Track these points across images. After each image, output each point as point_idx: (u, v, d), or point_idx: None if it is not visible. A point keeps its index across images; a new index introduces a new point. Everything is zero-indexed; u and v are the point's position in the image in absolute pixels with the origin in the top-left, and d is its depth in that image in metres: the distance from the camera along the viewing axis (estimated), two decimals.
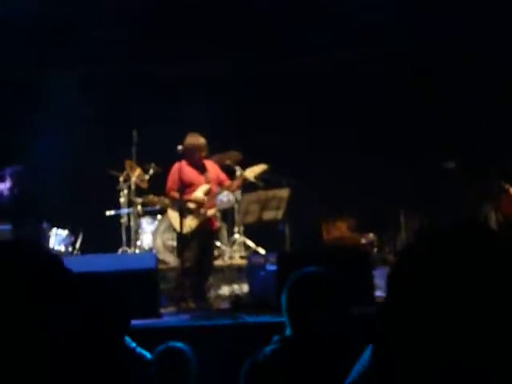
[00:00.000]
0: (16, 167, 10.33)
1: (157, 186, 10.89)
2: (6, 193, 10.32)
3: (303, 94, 12.41)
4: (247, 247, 11.26)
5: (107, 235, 11.28)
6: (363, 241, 11.42)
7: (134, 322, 7.22)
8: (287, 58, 12.35)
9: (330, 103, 12.37)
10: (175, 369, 4.68)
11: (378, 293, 9.98)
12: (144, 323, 7.38)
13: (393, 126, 12.26)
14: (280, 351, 3.45)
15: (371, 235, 11.53)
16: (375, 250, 11.53)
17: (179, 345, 4.84)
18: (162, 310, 8.66)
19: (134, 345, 5.15)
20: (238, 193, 10.72)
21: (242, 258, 11.09)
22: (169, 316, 8.41)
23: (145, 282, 8.04)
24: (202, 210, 9.31)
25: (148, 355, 5.03)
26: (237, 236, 11.29)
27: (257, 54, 12.36)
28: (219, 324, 7.51)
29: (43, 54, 12.11)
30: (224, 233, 11.42)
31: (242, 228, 11.27)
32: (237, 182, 9.72)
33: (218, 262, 10.88)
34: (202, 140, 9.39)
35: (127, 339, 5.14)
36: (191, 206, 9.31)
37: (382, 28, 11.40)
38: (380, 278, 10.90)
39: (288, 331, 3.52)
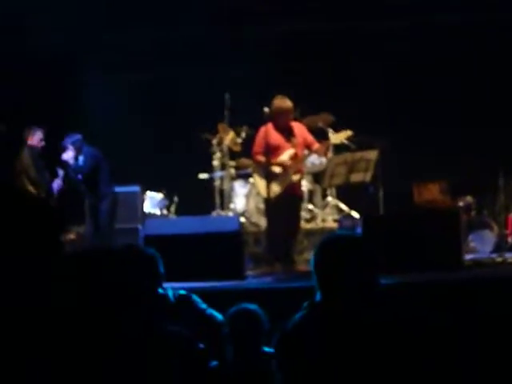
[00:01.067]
0: (75, 136, 10.45)
1: (249, 149, 10.86)
2: (71, 162, 10.46)
3: (392, 56, 12.19)
4: (340, 210, 11.15)
5: (201, 198, 11.36)
6: (460, 204, 11.15)
7: (217, 283, 7.37)
8: (376, 19, 12.13)
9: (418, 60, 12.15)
10: (247, 330, 4.65)
11: (474, 256, 9.78)
12: (226, 285, 7.41)
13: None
14: (308, 317, 3.37)
15: (469, 198, 11.24)
16: (473, 213, 11.25)
17: (252, 306, 4.81)
18: (249, 272, 8.68)
19: (204, 306, 5.15)
20: (330, 154, 10.63)
21: (334, 221, 10.98)
22: (253, 278, 8.41)
23: (229, 245, 8.06)
24: (287, 175, 9.19)
25: (219, 316, 5.03)
26: (329, 199, 11.18)
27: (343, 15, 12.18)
28: (299, 286, 7.43)
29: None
30: (317, 195, 11.34)
31: (334, 191, 11.16)
32: (323, 147, 9.55)
33: (310, 225, 10.82)
34: (288, 103, 9.21)
35: (197, 300, 5.16)
36: (276, 170, 9.16)
37: None
38: (477, 241, 10.67)
39: (317, 296, 3.42)
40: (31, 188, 10.23)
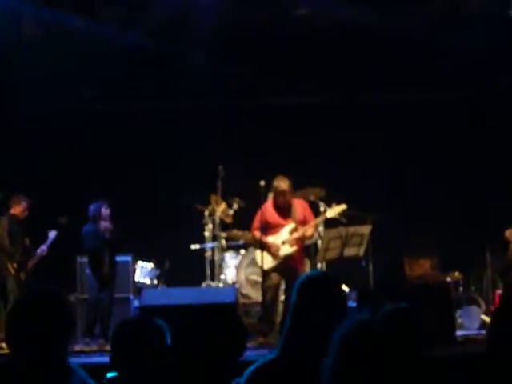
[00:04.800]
0: (99, 203, 10.49)
1: (241, 220, 11.01)
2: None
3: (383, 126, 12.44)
4: None
5: (192, 269, 11.42)
6: (448, 279, 11.28)
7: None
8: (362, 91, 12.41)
9: (412, 136, 12.39)
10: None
11: (462, 332, 9.85)
12: None
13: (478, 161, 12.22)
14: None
15: (457, 274, 11.37)
16: (461, 288, 11.37)
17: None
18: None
19: None
20: (321, 229, 10.75)
21: None
22: (250, 350, 8.43)
23: (224, 316, 8.07)
24: (280, 251, 9.51)
25: None
26: None
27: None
28: None
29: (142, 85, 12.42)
30: (307, 269, 11.40)
31: (324, 264, 11.25)
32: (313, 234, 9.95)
33: None
34: (285, 185, 9.52)
35: None
36: (270, 248, 9.54)
37: None
38: (465, 317, 10.76)
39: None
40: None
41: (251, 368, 3.64)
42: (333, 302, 3.67)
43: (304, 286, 3.76)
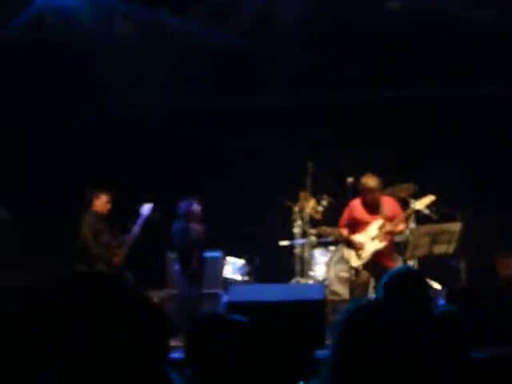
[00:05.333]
0: (190, 201, 10.55)
1: (330, 217, 10.97)
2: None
3: (473, 125, 12.17)
4: None
5: (281, 265, 11.44)
6: None
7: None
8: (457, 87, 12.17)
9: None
10: None
11: None
12: None
13: None
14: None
15: None
16: None
17: None
18: (328, 342, 8.68)
19: None
20: (412, 225, 10.64)
21: None
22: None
23: (312, 313, 8.08)
24: (363, 252, 9.56)
25: None
26: None
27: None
28: None
29: (238, 84, 12.51)
30: (399, 265, 11.30)
31: (416, 261, 11.12)
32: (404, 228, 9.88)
33: None
34: (373, 182, 9.50)
35: None
36: (356, 246, 9.61)
37: None
38: None
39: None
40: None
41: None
42: (419, 297, 3.67)
43: (391, 281, 3.77)
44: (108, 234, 10.35)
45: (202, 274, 10.50)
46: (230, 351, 3.65)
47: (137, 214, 10.42)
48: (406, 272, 4.13)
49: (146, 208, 10.41)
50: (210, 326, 3.79)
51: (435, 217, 10.27)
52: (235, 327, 3.78)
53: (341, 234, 9.93)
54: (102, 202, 10.30)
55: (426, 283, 4.04)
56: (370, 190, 9.52)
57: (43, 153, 11.76)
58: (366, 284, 9.50)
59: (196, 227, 10.40)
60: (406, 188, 10.80)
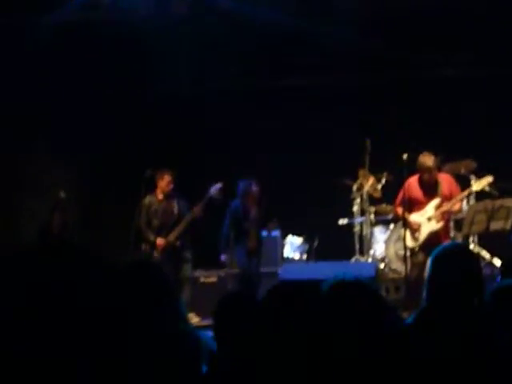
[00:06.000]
0: (248, 181, 10.58)
1: (390, 194, 10.87)
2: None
3: None
4: (482, 258, 10.93)
5: (341, 243, 11.39)
6: None
7: None
8: None
9: None
10: None
11: None
12: None
13: None
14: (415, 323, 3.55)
15: None
16: None
17: None
18: None
19: None
20: (472, 202, 10.50)
21: None
22: None
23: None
24: (419, 234, 9.45)
25: None
26: (471, 246, 10.99)
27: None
28: None
29: (273, 64, 12.47)
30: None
31: (476, 238, 10.96)
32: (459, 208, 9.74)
33: None
34: (430, 162, 9.35)
35: None
36: (412, 225, 9.48)
37: None
38: None
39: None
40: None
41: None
42: (468, 274, 3.64)
43: (439, 258, 3.75)
44: (165, 214, 10.50)
45: (260, 252, 10.55)
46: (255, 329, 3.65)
47: (203, 193, 10.54)
48: (452, 249, 4.06)
49: (214, 189, 10.51)
50: (235, 305, 3.80)
51: (496, 193, 10.11)
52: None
53: (397, 213, 9.82)
54: (165, 182, 10.48)
55: (473, 259, 3.95)
56: (428, 170, 9.38)
57: (103, 133, 11.87)
58: (423, 264, 9.32)
59: (253, 207, 10.43)
60: (465, 164, 10.66)
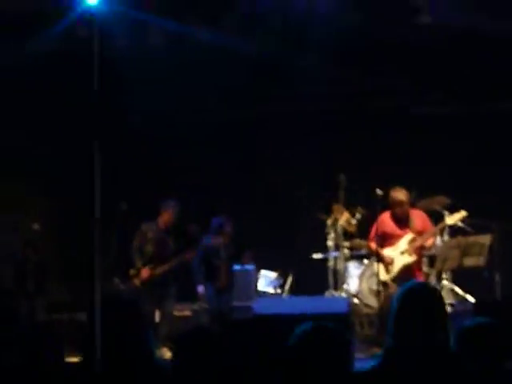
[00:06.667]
0: (223, 219, 10.62)
1: (364, 230, 10.88)
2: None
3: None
4: (456, 294, 10.96)
5: (315, 278, 11.37)
6: None
7: None
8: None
9: None
10: None
11: None
12: None
13: None
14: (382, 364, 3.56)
15: None
16: None
17: None
18: (360, 355, 8.60)
19: None
20: (446, 238, 10.56)
21: (450, 305, 10.80)
22: (359, 361, 8.31)
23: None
24: (392, 267, 9.51)
25: None
26: (445, 282, 11.01)
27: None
28: None
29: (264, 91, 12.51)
30: (432, 279, 11.19)
31: (450, 274, 10.99)
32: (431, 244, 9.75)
33: None
34: (402, 196, 9.47)
35: None
36: (386, 259, 9.55)
37: None
38: None
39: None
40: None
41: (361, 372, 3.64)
42: (432, 312, 3.66)
43: (404, 296, 3.76)
44: (161, 245, 10.49)
45: (232, 288, 10.54)
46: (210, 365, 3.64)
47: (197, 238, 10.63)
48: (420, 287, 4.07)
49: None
50: (193, 340, 3.77)
51: (469, 229, 10.17)
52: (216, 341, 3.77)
53: (370, 248, 9.85)
54: (169, 216, 10.53)
55: (437, 297, 3.97)
56: (400, 204, 9.46)
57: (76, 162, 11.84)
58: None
59: (225, 244, 10.46)
60: (439, 200, 10.71)
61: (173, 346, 3.80)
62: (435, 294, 3.85)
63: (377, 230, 9.57)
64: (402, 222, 9.53)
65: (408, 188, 9.55)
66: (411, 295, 3.80)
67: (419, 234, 9.47)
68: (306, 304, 8.55)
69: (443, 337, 3.70)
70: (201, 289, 10.61)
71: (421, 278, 9.59)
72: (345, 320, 8.28)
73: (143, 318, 4.03)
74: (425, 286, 3.98)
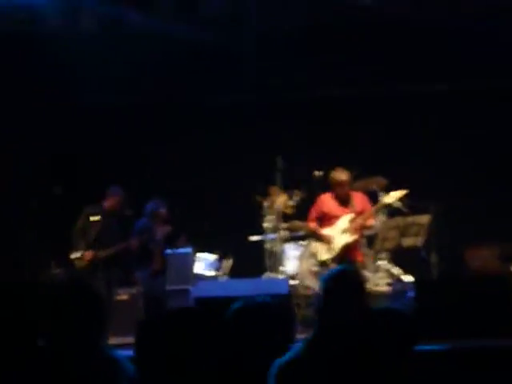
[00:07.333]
0: (156, 202, 10.57)
1: (302, 211, 10.92)
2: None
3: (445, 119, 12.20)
4: (392, 274, 11.05)
5: (252, 260, 11.37)
6: None
7: None
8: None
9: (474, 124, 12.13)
10: None
11: None
12: None
13: None
14: (305, 350, 3.68)
15: None
16: None
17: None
18: (299, 336, 8.62)
19: None
20: (383, 219, 10.63)
21: (387, 284, 10.89)
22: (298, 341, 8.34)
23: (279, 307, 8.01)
24: (336, 243, 9.60)
25: None
26: (382, 262, 11.10)
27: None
28: None
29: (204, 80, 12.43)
30: (369, 259, 11.28)
31: (387, 254, 11.08)
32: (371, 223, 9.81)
33: None
34: (344, 176, 9.57)
35: None
36: (325, 238, 9.72)
37: None
38: None
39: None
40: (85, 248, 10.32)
41: (283, 359, 3.65)
42: (352, 295, 3.74)
43: (325, 281, 3.84)
44: (105, 230, 10.45)
45: (165, 272, 10.49)
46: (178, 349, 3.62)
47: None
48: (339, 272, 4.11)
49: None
50: (157, 325, 3.75)
51: (406, 210, 10.26)
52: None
53: (310, 228, 9.88)
54: (115, 202, 10.57)
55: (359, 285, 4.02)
56: (341, 184, 9.54)
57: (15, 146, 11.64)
58: None
59: (160, 228, 10.40)
60: (376, 181, 10.78)
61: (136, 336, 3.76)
62: (358, 278, 3.90)
63: (317, 210, 9.62)
64: (343, 202, 9.61)
65: (347, 169, 9.62)
66: (336, 279, 3.89)
67: (359, 214, 9.57)
68: (246, 286, 8.55)
69: (364, 319, 3.75)
70: (137, 273, 10.55)
71: (360, 258, 9.66)
72: (286, 301, 8.30)
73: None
74: (350, 270, 4.03)
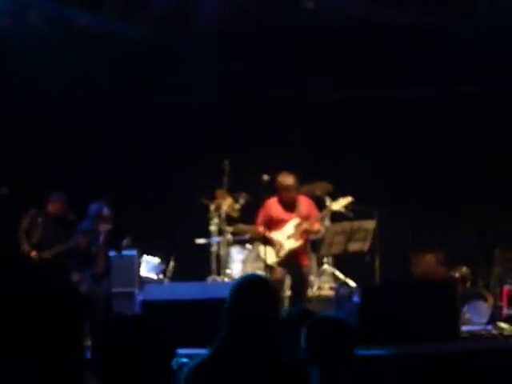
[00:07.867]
0: (100, 204, 10.50)
1: (247, 215, 10.95)
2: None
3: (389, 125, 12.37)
4: (336, 278, 11.17)
5: (197, 263, 11.37)
6: (456, 274, 11.17)
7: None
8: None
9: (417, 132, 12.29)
10: None
11: (469, 328, 9.76)
12: None
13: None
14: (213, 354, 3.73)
15: (464, 269, 11.25)
16: (468, 284, 11.25)
17: None
18: None
19: None
20: (327, 223, 10.72)
21: (330, 288, 10.99)
22: None
23: None
24: (283, 247, 9.63)
25: None
26: (326, 267, 11.20)
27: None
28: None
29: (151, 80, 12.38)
30: (313, 263, 11.36)
31: (331, 259, 11.18)
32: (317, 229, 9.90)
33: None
34: (290, 180, 9.60)
35: None
36: (273, 243, 9.68)
37: None
38: (472, 312, 10.64)
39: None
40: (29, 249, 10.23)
41: (192, 363, 3.70)
42: (263, 306, 3.75)
43: (236, 288, 3.84)
44: (48, 231, 10.36)
45: (109, 274, 10.41)
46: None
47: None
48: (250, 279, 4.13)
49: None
50: (113, 328, 3.73)
51: (351, 215, 10.35)
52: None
53: (257, 232, 9.92)
54: (57, 207, 10.44)
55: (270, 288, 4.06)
56: (287, 188, 9.59)
57: None
58: (281, 281, 9.54)
59: (103, 229, 10.32)
60: (321, 186, 10.85)
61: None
62: (268, 288, 3.89)
63: (264, 214, 9.66)
64: (289, 206, 9.66)
65: (294, 173, 9.68)
66: (243, 287, 3.84)
67: (305, 218, 9.62)
68: (193, 289, 8.56)
69: (274, 327, 3.77)
70: (76, 276, 10.45)
71: (306, 263, 9.73)
72: None
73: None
74: (259, 278, 4.04)
